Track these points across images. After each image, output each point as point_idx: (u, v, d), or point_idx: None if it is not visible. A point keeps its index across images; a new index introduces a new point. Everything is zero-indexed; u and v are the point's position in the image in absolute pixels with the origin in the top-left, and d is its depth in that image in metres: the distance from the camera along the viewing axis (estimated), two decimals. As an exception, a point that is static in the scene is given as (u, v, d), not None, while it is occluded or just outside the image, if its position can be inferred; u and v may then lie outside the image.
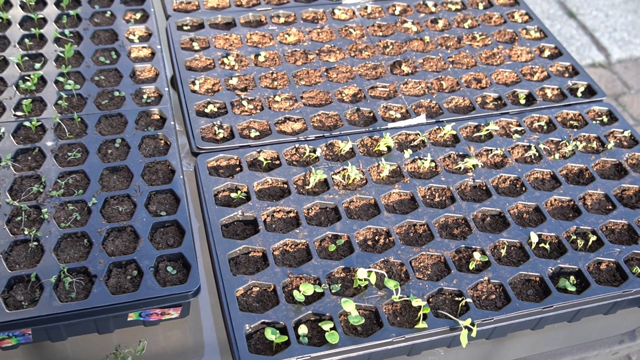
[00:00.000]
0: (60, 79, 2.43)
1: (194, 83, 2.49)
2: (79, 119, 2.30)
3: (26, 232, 1.95)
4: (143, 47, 2.64)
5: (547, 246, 2.06)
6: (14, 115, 2.29)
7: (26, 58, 2.51)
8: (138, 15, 2.79)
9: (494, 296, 1.92)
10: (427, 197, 2.20)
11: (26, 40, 2.59)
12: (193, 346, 2.01)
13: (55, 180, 2.10)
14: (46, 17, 2.70)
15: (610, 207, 2.21)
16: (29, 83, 2.38)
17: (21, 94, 2.37)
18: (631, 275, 1.98)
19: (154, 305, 1.85)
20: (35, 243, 1.93)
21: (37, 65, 2.48)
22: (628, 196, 2.27)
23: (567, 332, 2.07)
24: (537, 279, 1.97)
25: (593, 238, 2.08)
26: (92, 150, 2.21)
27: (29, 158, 2.18)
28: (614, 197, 2.23)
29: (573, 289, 1.94)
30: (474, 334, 1.82)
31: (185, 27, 2.77)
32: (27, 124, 2.25)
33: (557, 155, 2.35)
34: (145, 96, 2.44)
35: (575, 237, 2.10)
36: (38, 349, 1.93)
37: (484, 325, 1.86)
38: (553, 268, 1.99)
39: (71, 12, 2.73)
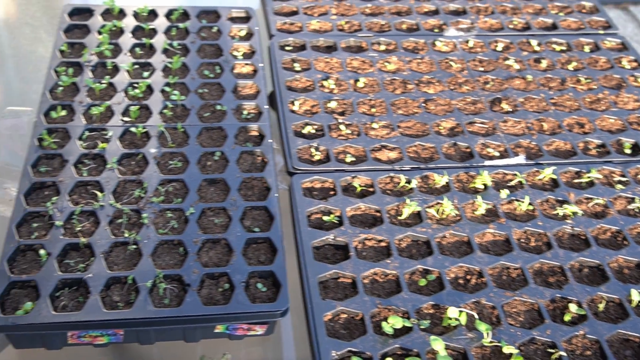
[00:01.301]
0: (167, 88, 2.51)
1: (293, 103, 2.53)
2: (182, 129, 2.37)
3: (126, 235, 2.00)
4: (246, 64, 2.70)
5: (648, 305, 1.97)
6: (122, 120, 2.37)
7: (136, 66, 2.60)
8: (243, 33, 2.86)
9: (589, 352, 1.84)
10: (523, 240, 2.15)
11: (137, 49, 2.69)
12: (274, 365, 2.02)
13: (156, 187, 2.16)
14: (156, 28, 2.80)
15: None
16: (137, 90, 2.47)
17: (129, 100, 2.46)
18: None
19: (244, 320, 1.87)
20: (134, 246, 1.99)
21: (146, 74, 2.57)
22: None
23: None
24: (637, 339, 1.88)
25: (699, 302, 1.98)
26: (192, 161, 2.26)
27: (133, 163, 2.25)
28: None
29: (675, 354, 1.84)
30: (567, 389, 1.75)
31: (287, 48, 2.82)
32: (133, 129, 2.33)
33: (662, 211, 2.25)
34: (245, 112, 2.48)
35: (679, 298, 2.00)
36: (126, 350, 1.98)
37: (578, 381, 1.79)
38: (654, 329, 1.90)
39: (180, 25, 2.82)
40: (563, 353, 1.80)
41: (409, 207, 2.16)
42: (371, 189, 2.26)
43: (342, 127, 2.45)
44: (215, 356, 1.95)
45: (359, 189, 2.26)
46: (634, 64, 2.91)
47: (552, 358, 1.81)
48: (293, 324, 2.10)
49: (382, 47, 2.86)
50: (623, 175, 2.37)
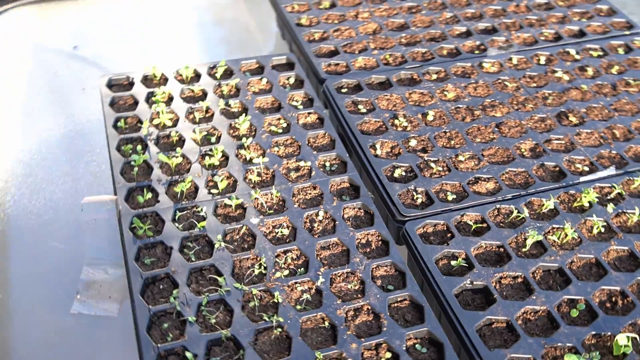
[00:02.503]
0: (242, 151, 2.37)
1: (374, 147, 2.44)
2: (278, 193, 2.23)
3: (266, 318, 1.86)
4: (309, 113, 2.59)
5: None
6: (209, 193, 2.22)
7: (203, 133, 2.44)
8: (292, 81, 2.75)
9: None
10: (646, 252, 2.15)
11: (196, 113, 2.52)
12: None
13: (274, 260, 2.02)
14: (205, 89, 2.65)
15: None
16: (213, 158, 2.31)
17: (207, 169, 2.30)
18: None
19: (419, 388, 1.77)
20: (279, 329, 1.85)
21: (213, 139, 2.42)
22: None
23: None
24: None
25: None
26: (298, 225, 2.14)
27: (237, 237, 2.11)
28: None
29: None
30: None
31: (343, 90, 2.73)
32: (226, 201, 2.18)
33: None
34: (327, 164, 2.38)
35: None
36: None
37: None
38: None
39: (230, 82, 2.68)
40: None
41: (532, 237, 2.12)
42: (483, 224, 2.21)
43: (431, 164, 2.38)
44: None
45: (473, 226, 2.20)
46: (673, 60, 3.00)
47: None
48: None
49: (434, 77, 2.82)
50: None
